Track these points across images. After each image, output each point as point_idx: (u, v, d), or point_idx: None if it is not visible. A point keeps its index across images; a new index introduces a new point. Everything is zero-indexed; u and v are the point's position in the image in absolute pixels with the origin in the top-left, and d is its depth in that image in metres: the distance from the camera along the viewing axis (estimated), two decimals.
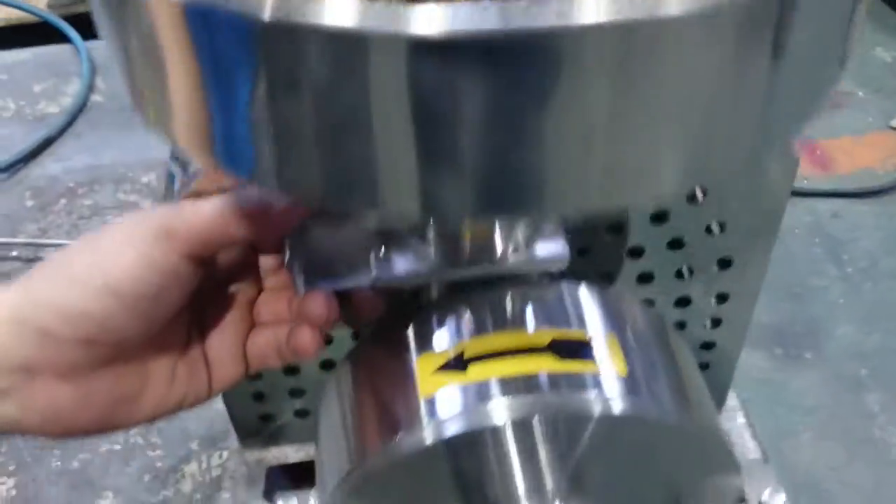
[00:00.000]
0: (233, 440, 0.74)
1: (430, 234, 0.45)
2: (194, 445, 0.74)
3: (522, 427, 0.41)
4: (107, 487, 0.72)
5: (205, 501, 0.70)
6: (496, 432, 0.41)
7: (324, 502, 0.46)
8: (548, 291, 0.46)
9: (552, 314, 0.44)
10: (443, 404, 0.42)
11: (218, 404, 0.77)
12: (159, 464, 0.73)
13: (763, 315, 1.30)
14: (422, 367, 0.44)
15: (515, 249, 0.45)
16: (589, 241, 0.54)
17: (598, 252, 0.55)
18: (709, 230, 0.55)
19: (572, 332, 0.44)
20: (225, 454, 0.74)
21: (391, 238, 0.46)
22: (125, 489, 0.72)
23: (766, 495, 0.46)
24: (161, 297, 0.41)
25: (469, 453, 0.42)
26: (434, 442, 0.41)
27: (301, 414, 0.64)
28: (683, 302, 0.59)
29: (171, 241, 0.41)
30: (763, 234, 0.56)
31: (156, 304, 0.41)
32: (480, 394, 0.41)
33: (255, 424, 0.66)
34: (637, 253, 0.56)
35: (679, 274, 0.57)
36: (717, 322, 0.62)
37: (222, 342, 0.46)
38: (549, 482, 0.45)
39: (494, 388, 0.41)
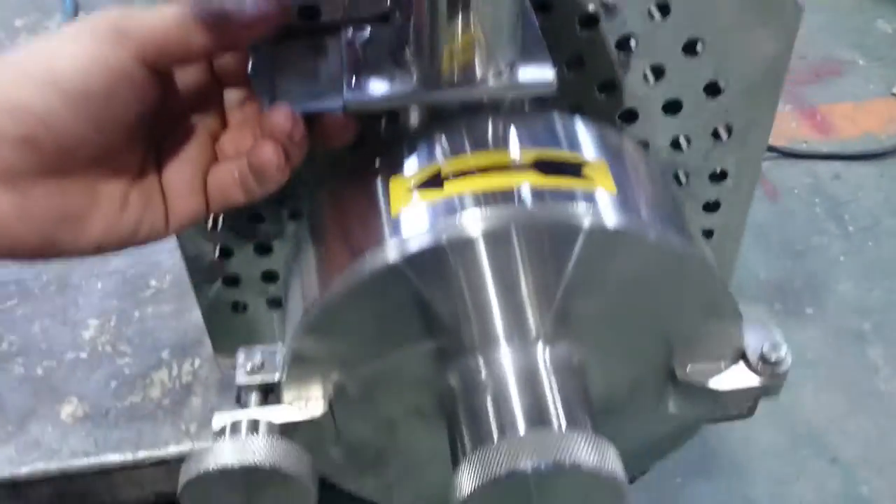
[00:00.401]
0: (206, 349, 0.70)
1: (408, 56, 0.42)
2: (165, 354, 0.71)
3: (501, 248, 0.38)
4: (71, 393, 0.68)
5: (173, 407, 0.67)
6: (469, 251, 0.38)
7: (288, 348, 0.42)
8: (533, 116, 0.42)
9: (537, 136, 0.41)
10: (410, 221, 0.38)
11: (192, 315, 0.74)
12: (127, 371, 0.70)
13: (762, 271, 1.27)
14: (394, 190, 0.40)
15: (498, 73, 0.42)
16: (580, 101, 0.51)
17: (590, 114, 0.51)
18: (707, 90, 0.51)
19: (559, 153, 0.40)
20: (197, 362, 0.70)
21: (366, 60, 0.43)
22: (90, 395, 0.68)
23: (766, 348, 0.43)
24: (111, 101, 0.38)
25: (440, 281, 0.39)
26: (398, 259, 0.37)
27: (274, 304, 0.61)
28: (679, 179, 0.56)
29: (123, 39, 0.38)
30: (763, 98, 0.52)
31: (105, 108, 0.38)
32: (453, 207, 0.38)
33: (227, 316, 0.62)
34: (631, 117, 0.52)
35: (676, 144, 0.54)
36: (714, 206, 0.58)
37: (181, 173, 0.42)
38: (531, 322, 0.41)
39: (469, 202, 0.38)
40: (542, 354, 0.41)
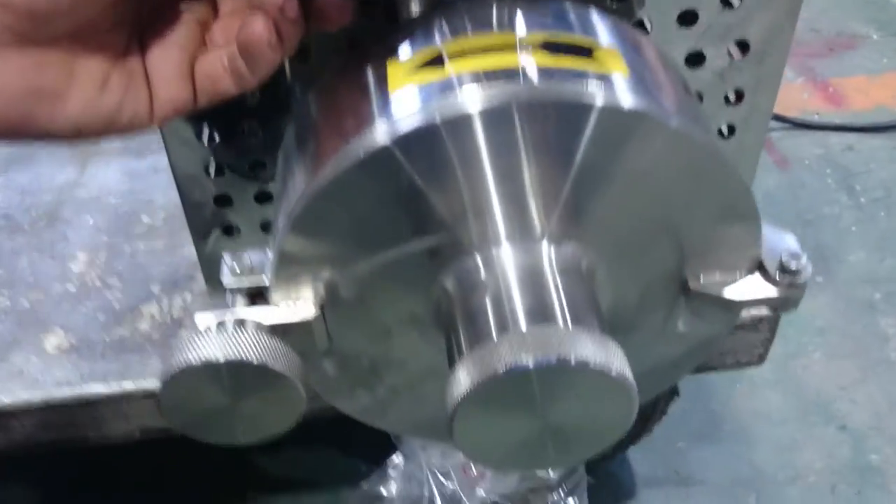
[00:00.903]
0: (198, 284, 0.68)
1: None
2: (155, 289, 0.68)
3: (502, 131, 0.35)
4: (57, 325, 0.66)
5: (163, 340, 0.64)
6: (467, 133, 0.35)
7: (276, 246, 0.40)
8: (542, 0, 0.40)
9: (546, 20, 0.38)
10: (403, 102, 0.36)
11: (184, 251, 0.72)
12: (116, 305, 0.67)
13: None
14: (391, 74, 0.38)
15: None
16: None
17: None
18: (724, 2, 0.49)
19: (570, 36, 0.38)
20: (189, 297, 0.68)
21: None
22: (77, 327, 0.66)
23: (785, 257, 0.40)
24: None
25: (434, 167, 0.36)
26: (387, 141, 0.34)
27: (267, 227, 0.58)
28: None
29: None
30: (781, 12, 0.50)
31: None
32: (450, 86, 0.35)
33: (218, 241, 0.60)
34: (643, 29, 0.49)
35: (691, 60, 0.51)
36: (730, 130, 0.56)
37: (166, 58, 0.40)
38: (536, 218, 0.38)
39: (468, 80, 0.35)
40: (548, 254, 0.39)
